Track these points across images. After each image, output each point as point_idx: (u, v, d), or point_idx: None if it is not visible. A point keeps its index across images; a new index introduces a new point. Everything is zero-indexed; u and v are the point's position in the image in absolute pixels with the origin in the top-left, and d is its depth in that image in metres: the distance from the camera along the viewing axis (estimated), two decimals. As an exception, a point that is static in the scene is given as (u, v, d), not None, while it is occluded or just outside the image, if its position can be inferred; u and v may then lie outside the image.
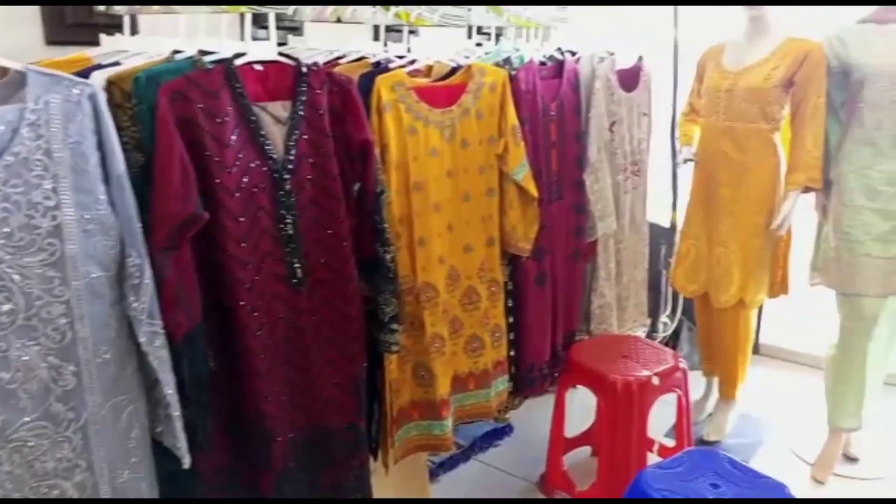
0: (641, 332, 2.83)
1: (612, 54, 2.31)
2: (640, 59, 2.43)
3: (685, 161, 2.58)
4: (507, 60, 1.92)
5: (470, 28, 2.25)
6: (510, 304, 2.00)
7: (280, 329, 1.37)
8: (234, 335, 1.30)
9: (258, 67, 1.38)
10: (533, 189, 1.88)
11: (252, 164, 1.31)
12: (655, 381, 2.07)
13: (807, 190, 2.33)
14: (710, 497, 1.53)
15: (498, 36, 2.29)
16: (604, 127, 2.21)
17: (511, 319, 2.01)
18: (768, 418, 2.72)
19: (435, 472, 2.38)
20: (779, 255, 2.50)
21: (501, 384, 2.00)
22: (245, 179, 1.30)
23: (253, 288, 1.30)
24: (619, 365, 2.13)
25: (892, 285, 2.18)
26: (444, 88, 1.77)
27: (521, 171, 1.83)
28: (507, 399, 2.07)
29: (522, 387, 2.07)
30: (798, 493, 1.53)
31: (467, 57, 1.90)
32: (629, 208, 2.40)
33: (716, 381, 2.74)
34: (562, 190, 2.10)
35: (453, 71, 1.82)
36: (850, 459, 2.40)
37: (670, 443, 2.32)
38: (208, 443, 1.26)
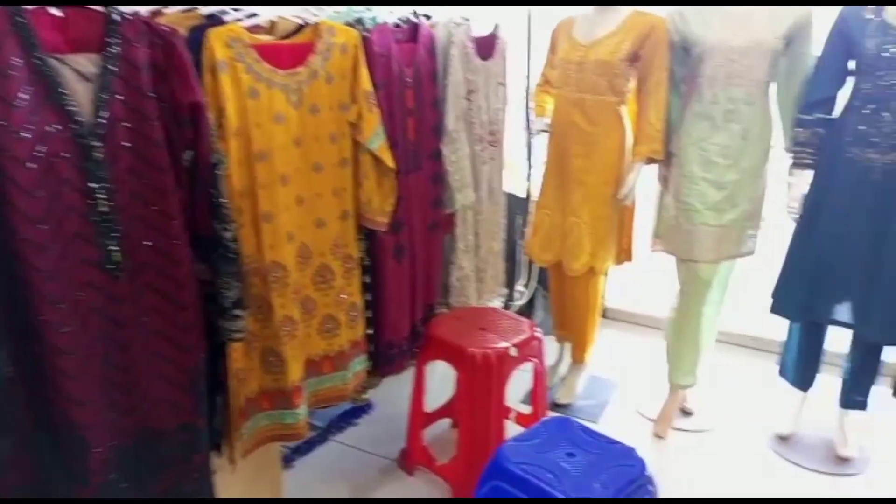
0: (499, 302, 2.86)
1: (467, 20, 2.24)
2: (497, 27, 2.38)
3: (539, 132, 2.60)
4: (358, 21, 1.78)
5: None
6: (367, 280, 1.91)
7: (94, 323, 1.17)
8: (35, 333, 1.09)
9: (55, 12, 1.14)
10: (389, 159, 1.78)
11: (50, 128, 1.09)
12: (513, 351, 2.08)
13: (650, 161, 2.43)
14: (566, 466, 1.55)
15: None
16: (461, 95, 2.15)
17: (368, 296, 1.91)
18: (614, 379, 2.87)
19: (289, 458, 2.26)
20: (624, 223, 2.61)
21: (359, 364, 1.91)
22: (41, 147, 1.08)
23: (55, 277, 1.09)
24: (478, 337, 2.12)
25: (724, 251, 2.34)
26: (288, 47, 1.60)
27: (377, 141, 1.72)
28: (366, 378, 1.98)
29: (382, 365, 2.00)
30: (643, 451, 1.60)
31: (315, 15, 1.74)
32: (487, 179, 2.38)
33: (568, 346, 2.83)
34: (419, 160, 2.02)
35: (299, 29, 1.65)
36: (686, 413, 2.59)
37: (527, 409, 2.37)
38: (3, 464, 1.06)
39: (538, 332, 2.21)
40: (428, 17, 2.16)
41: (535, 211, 2.69)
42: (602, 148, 2.44)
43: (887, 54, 2.01)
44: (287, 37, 1.64)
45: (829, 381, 2.43)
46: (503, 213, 2.56)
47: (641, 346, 3.17)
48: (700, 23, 2.27)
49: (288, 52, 1.58)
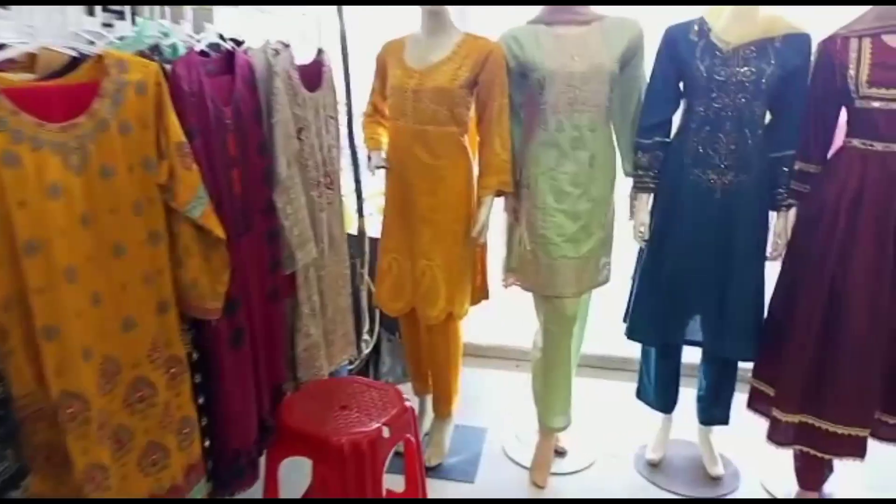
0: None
1: (287, 46, 1.90)
2: (321, 52, 2.06)
3: (377, 168, 2.32)
4: (154, 49, 1.37)
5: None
6: (198, 379, 1.48)
7: None
8: None
9: None
10: (217, 226, 1.38)
11: None
12: (386, 432, 1.77)
13: (499, 194, 2.27)
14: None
15: (134, 15, 1.69)
16: (291, 135, 1.80)
17: (202, 400, 1.49)
18: (481, 425, 2.67)
19: None
20: (477, 260, 2.42)
21: (199, 492, 1.47)
22: None
23: None
24: (341, 420, 1.78)
25: (585, 283, 2.25)
26: (61, 90, 1.15)
27: (198, 205, 1.32)
28: None
29: (228, 482, 1.58)
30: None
31: (93, 43, 1.29)
32: (327, 228, 2.04)
33: (429, 398, 2.59)
34: (250, 218, 1.64)
35: (75, 64, 1.21)
36: (560, 454, 2.47)
37: (398, 487, 2.07)
38: None
39: (407, 401, 1.93)
40: (239, 44, 1.78)
41: (381, 256, 2.40)
42: (448, 182, 2.23)
43: (718, 77, 2.03)
44: (56, 75, 1.18)
45: (690, 395, 2.45)
46: (346, 263, 2.24)
47: (500, 382, 3.03)
48: (535, 48, 2.16)
49: (61, 96, 1.13)
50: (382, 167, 2.30)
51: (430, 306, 2.28)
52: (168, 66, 1.34)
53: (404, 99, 2.20)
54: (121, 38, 1.39)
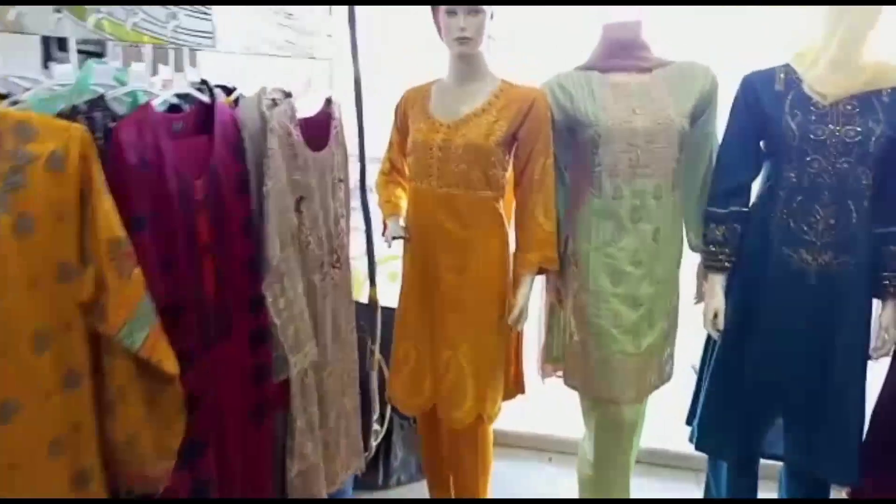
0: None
1: (288, 95, 1.54)
2: (329, 102, 1.70)
3: (394, 238, 1.93)
4: (94, 103, 1.00)
5: (46, 42, 1.27)
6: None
7: None
8: None
9: None
10: (167, 357, 0.99)
11: None
12: None
13: (541, 271, 1.87)
14: None
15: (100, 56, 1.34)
16: (288, 207, 1.42)
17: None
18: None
19: None
20: (511, 348, 2.01)
21: None
22: None
23: None
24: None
25: (647, 383, 1.84)
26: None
27: (139, 328, 0.93)
28: None
29: None
30: None
31: (7, 96, 0.93)
32: (331, 317, 1.65)
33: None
34: (227, 320, 1.25)
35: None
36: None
37: None
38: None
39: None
40: (228, 91, 1.42)
41: (396, 343, 2.00)
42: (480, 257, 1.83)
43: (815, 136, 1.64)
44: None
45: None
46: (354, 356, 1.85)
47: (532, 478, 2.58)
48: (588, 99, 1.79)
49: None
50: (401, 237, 1.92)
51: (454, 406, 1.87)
52: (113, 126, 0.97)
53: (429, 157, 1.82)
54: (54, 88, 1.02)
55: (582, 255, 1.82)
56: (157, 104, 1.08)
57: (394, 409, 2.59)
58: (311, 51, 1.79)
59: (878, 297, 1.73)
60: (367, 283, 2.45)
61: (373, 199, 2.22)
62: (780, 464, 1.94)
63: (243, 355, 1.30)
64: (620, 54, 1.82)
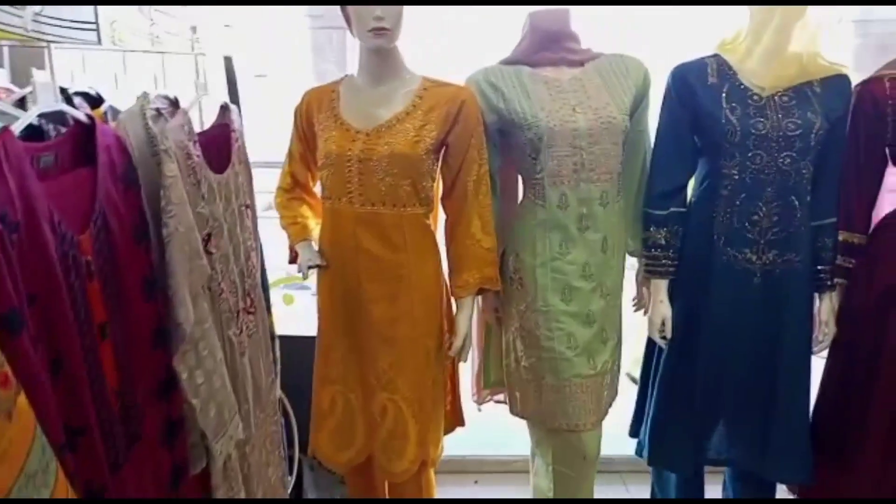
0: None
1: (174, 102, 1.19)
2: (225, 109, 1.37)
3: (309, 268, 1.63)
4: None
5: None
6: None
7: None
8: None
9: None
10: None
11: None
12: None
13: (480, 292, 1.67)
14: None
15: None
16: (198, 251, 1.09)
17: None
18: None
19: None
20: (447, 379, 1.80)
21: None
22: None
23: None
24: None
25: (605, 407, 1.70)
26: None
27: (37, 488, 0.60)
28: None
29: None
30: None
31: None
32: (251, 378, 1.33)
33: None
34: (137, 421, 0.91)
35: None
36: None
37: None
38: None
39: None
40: (95, 102, 1.06)
41: (318, 389, 1.70)
42: (414, 283, 1.59)
43: (756, 130, 1.58)
44: None
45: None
46: (277, 415, 1.53)
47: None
48: (522, 97, 1.60)
49: None
50: (317, 266, 1.62)
51: (395, 456, 1.62)
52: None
53: (346, 171, 1.55)
54: None
55: (527, 271, 1.64)
56: (17, 130, 0.72)
57: (302, 447, 2.28)
58: (199, 45, 1.43)
59: (816, 291, 1.71)
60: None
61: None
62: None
63: (158, 455, 0.97)
64: (550, 46, 1.65)
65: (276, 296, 2.27)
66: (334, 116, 1.59)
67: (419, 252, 1.60)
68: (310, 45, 4.31)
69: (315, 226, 1.72)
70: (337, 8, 1.56)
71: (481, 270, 1.62)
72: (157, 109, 1.11)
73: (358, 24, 1.50)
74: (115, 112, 1.11)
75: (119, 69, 1.32)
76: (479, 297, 1.75)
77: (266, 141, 2.06)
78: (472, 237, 1.61)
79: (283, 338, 2.04)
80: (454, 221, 1.64)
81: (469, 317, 1.64)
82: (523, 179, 1.67)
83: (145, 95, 1.08)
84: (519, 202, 1.71)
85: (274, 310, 2.06)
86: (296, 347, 1.88)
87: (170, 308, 0.98)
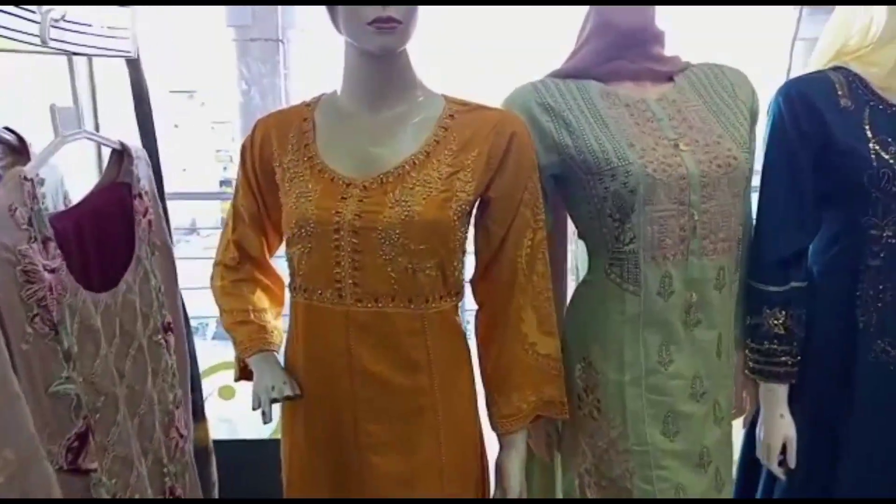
0: None
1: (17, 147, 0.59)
2: (122, 154, 0.74)
3: (274, 401, 1.01)
4: None
5: None
6: None
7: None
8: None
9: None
10: None
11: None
12: None
13: (536, 419, 1.10)
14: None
15: None
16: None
17: None
18: None
19: None
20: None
21: None
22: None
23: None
24: None
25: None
26: None
27: None
28: None
29: None
30: None
31: None
32: None
33: None
34: None
35: None
36: None
37: None
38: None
39: None
40: None
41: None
42: (441, 419, 1.01)
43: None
44: None
45: None
46: None
47: None
48: (597, 127, 1.06)
49: None
50: (289, 398, 1.00)
51: None
52: None
53: (331, 249, 0.96)
54: None
55: (608, 390, 1.08)
56: None
57: None
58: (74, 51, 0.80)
59: None
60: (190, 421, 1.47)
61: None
62: None
63: None
64: (629, 52, 1.11)
65: (211, 385, 1.68)
66: (308, 159, 1.00)
67: (449, 369, 1.02)
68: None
69: (277, 325, 1.12)
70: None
71: (539, 389, 1.05)
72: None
73: (350, 17, 0.92)
74: None
75: None
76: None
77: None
78: (524, 340, 1.05)
79: (221, 443, 1.49)
80: (494, 316, 1.07)
81: (523, 461, 1.07)
82: (594, 251, 1.12)
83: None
84: (584, 280, 1.16)
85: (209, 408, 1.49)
86: (240, 454, 1.38)
87: None
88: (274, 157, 1.03)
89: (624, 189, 1.02)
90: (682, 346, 1.07)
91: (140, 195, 0.70)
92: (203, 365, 1.44)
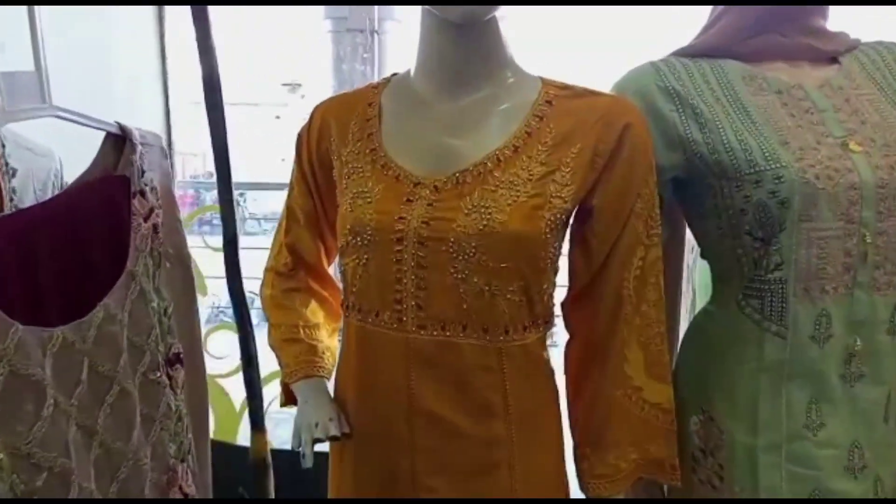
0: None
1: None
2: (122, 138, 0.59)
3: (317, 441, 0.84)
4: None
5: None
6: None
7: None
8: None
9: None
10: None
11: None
12: None
13: (636, 481, 0.88)
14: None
15: None
16: None
17: None
18: None
19: None
20: None
21: None
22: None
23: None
24: None
25: None
26: None
27: None
28: None
29: None
30: None
31: None
32: None
33: None
34: None
35: None
36: None
37: None
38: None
39: None
40: None
41: None
42: (519, 476, 0.82)
43: None
44: None
45: None
46: None
47: None
48: (737, 117, 0.82)
49: None
50: (335, 438, 0.84)
51: None
52: None
53: (391, 263, 0.78)
54: None
55: (736, 455, 0.85)
56: None
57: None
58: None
59: None
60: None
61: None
62: None
63: None
64: (782, 25, 0.86)
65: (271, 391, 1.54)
66: (370, 152, 0.82)
67: (531, 416, 0.82)
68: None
69: (331, 344, 0.96)
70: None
71: (643, 446, 0.84)
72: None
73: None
74: None
75: None
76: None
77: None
78: (627, 383, 0.84)
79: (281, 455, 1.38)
80: (591, 350, 0.86)
81: (618, 534, 0.85)
82: (723, 276, 0.88)
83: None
84: (707, 311, 0.92)
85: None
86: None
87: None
88: (332, 149, 0.87)
89: (772, 200, 0.78)
90: (837, 407, 0.81)
91: (142, 192, 0.55)
92: (265, 370, 1.31)
